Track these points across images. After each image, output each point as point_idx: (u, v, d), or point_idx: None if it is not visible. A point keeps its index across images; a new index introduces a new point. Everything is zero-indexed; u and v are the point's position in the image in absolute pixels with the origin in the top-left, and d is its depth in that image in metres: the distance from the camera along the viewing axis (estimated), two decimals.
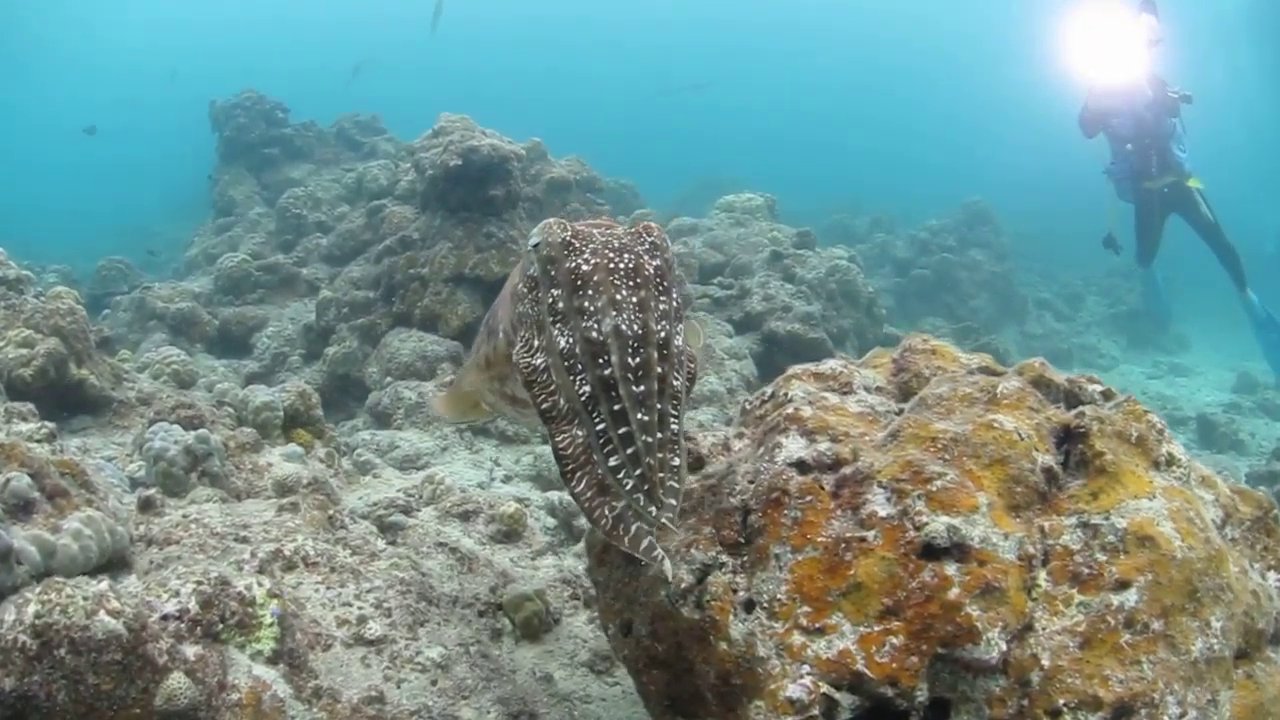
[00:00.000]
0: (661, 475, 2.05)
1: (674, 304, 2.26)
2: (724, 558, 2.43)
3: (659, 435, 2.07)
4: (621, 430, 2.07)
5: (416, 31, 32.06)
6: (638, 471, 2.04)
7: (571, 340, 2.16)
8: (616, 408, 2.08)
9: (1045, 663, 2.04)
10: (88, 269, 13.09)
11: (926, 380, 2.90)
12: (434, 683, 2.91)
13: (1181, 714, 2.03)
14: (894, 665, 2.07)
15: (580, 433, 2.15)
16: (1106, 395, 2.69)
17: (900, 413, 2.80)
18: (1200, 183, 10.99)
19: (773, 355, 8.97)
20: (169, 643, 2.40)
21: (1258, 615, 2.29)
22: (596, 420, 2.11)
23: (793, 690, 2.09)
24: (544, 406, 2.22)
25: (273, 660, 2.60)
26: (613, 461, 2.06)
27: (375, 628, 3.03)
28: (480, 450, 6.60)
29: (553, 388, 2.21)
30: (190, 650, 2.43)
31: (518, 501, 4.94)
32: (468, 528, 4.48)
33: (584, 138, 10.94)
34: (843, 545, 2.24)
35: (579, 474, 2.13)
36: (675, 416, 2.15)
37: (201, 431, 4.26)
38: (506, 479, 6.22)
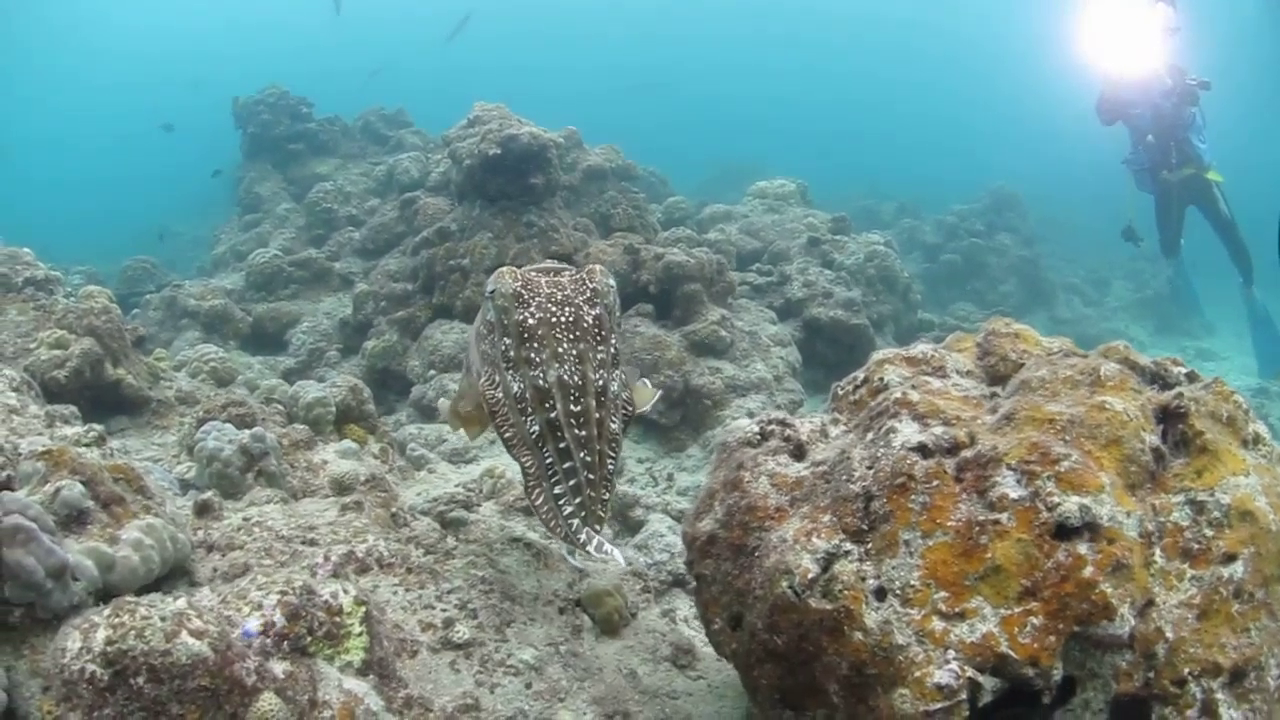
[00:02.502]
0: (595, 506, 2.48)
1: (611, 351, 2.63)
2: (848, 545, 2.38)
3: (597, 473, 2.49)
4: (566, 465, 2.49)
5: (431, 29, 31.94)
6: (577, 500, 2.47)
7: (522, 386, 2.55)
8: (561, 446, 2.49)
9: (1169, 635, 2.13)
10: (109, 272, 12.96)
11: (1013, 363, 2.95)
12: (528, 686, 2.77)
13: (1278, 674, 2.22)
14: (1035, 645, 2.07)
15: (535, 460, 2.54)
16: (1191, 377, 2.75)
17: (993, 396, 2.85)
18: (1220, 176, 10.96)
19: (814, 342, 8.83)
20: (256, 661, 2.21)
21: None
22: (545, 454, 2.51)
23: (940, 676, 2.08)
24: (506, 435, 2.61)
25: (362, 671, 2.43)
26: (557, 490, 2.49)
27: (462, 630, 2.89)
28: None
29: (511, 420, 2.58)
30: (279, 667, 2.25)
31: None
32: (532, 522, 4.33)
33: (600, 126, 10.60)
34: (976, 528, 2.22)
35: (537, 490, 2.55)
36: (612, 456, 2.55)
37: (257, 430, 4.11)
38: None
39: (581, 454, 2.48)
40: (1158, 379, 2.73)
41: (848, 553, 2.36)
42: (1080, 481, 2.19)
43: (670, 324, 7.65)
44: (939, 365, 3.07)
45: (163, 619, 2.06)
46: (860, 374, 3.18)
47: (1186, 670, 2.12)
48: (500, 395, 2.62)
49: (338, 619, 2.43)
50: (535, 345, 2.55)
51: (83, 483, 2.79)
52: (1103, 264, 20.08)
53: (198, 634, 2.08)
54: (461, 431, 3.91)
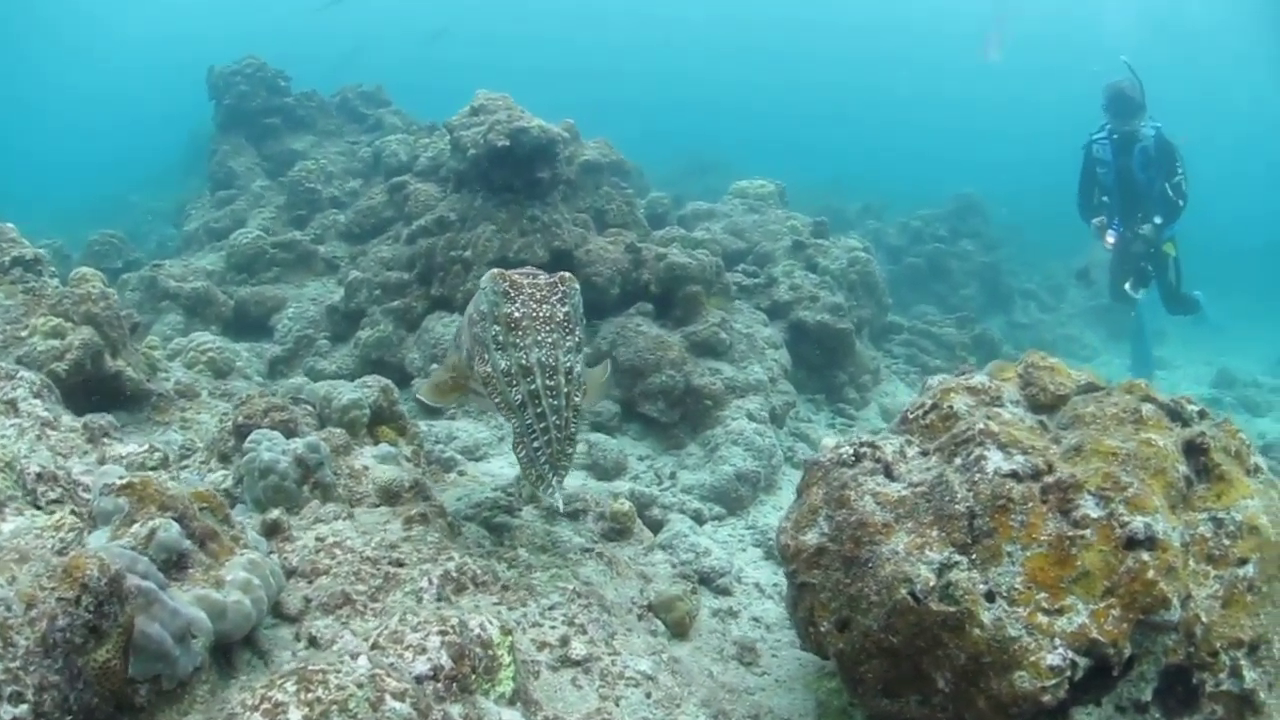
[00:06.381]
0: (562, 459, 3.13)
1: (576, 340, 3.25)
2: (957, 556, 2.79)
3: (564, 432, 3.14)
4: (541, 425, 3.12)
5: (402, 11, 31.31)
6: (549, 451, 3.11)
7: (509, 364, 3.16)
8: (538, 410, 3.13)
9: (1204, 619, 2.72)
10: (74, 244, 12.43)
11: (1052, 394, 3.46)
12: (649, 695, 2.87)
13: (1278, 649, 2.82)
14: (1116, 631, 2.59)
15: (519, 421, 3.16)
16: (1202, 414, 3.35)
17: (1041, 424, 3.33)
18: (1174, 249, 11.45)
19: (799, 344, 8.95)
20: (440, 712, 2.03)
21: None
22: (526, 417, 3.14)
23: (1052, 659, 2.56)
24: (496, 401, 3.24)
25: (511, 701, 2.38)
26: (535, 444, 3.13)
27: (578, 647, 2.94)
28: None
29: (500, 389, 3.19)
30: (455, 710, 2.10)
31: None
32: (578, 527, 4.39)
33: (562, 111, 10.34)
34: (1066, 541, 2.73)
35: (520, 445, 3.19)
36: (575, 420, 3.19)
37: (311, 439, 3.85)
38: None
39: (554, 418, 3.10)
40: (1176, 416, 3.28)
41: (957, 563, 2.77)
42: (1142, 504, 2.75)
43: (670, 324, 7.73)
44: (996, 395, 3.48)
45: (359, 685, 1.85)
46: (928, 400, 3.52)
47: (1218, 644, 2.72)
48: (490, 370, 3.20)
49: (491, 652, 2.38)
50: (519, 333, 3.16)
51: (175, 519, 2.51)
52: (1059, 270, 20.55)
53: (399, 695, 1.91)
54: (441, 404, 4.60)
